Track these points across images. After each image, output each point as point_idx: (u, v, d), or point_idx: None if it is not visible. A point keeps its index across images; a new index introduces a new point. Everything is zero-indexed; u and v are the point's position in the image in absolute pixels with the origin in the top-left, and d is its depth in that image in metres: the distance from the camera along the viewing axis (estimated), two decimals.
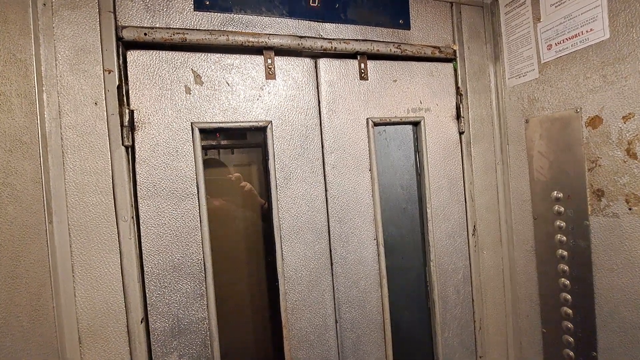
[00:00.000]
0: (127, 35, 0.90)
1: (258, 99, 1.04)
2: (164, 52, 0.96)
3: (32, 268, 0.82)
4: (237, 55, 1.03)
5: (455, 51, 1.28)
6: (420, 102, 1.24)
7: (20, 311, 0.80)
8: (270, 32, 1.05)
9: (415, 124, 1.25)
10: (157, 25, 0.95)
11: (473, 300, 1.30)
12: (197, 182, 0.98)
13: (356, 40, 1.13)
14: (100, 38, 0.88)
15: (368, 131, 1.16)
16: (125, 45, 0.92)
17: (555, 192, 1.13)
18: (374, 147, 1.17)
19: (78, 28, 0.87)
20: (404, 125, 1.27)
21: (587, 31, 1.00)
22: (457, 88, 1.29)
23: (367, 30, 1.17)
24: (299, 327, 1.07)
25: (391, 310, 1.18)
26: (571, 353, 1.12)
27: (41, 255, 0.83)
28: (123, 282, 0.90)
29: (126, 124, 0.90)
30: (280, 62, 1.07)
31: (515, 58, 1.24)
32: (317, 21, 1.11)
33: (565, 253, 1.12)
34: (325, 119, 1.11)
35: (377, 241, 1.17)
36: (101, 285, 0.88)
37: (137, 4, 0.93)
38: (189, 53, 0.98)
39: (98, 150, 0.88)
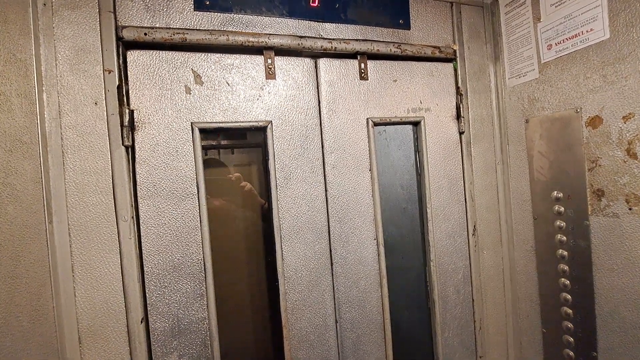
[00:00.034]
0: (127, 35, 0.90)
1: (258, 99, 1.04)
2: (164, 52, 0.96)
3: (32, 268, 0.82)
4: (237, 55, 1.03)
5: (455, 51, 1.28)
6: (420, 102, 1.24)
7: (20, 311, 0.80)
8: (270, 32, 1.05)
9: (415, 124, 1.25)
10: (157, 25, 0.95)
11: (473, 300, 1.30)
12: (197, 182, 0.98)
13: (356, 40, 1.13)
14: (101, 38, 0.88)
15: (368, 131, 1.16)
16: (125, 45, 0.92)
17: (556, 192, 1.13)
18: (374, 147, 1.17)
19: (78, 28, 0.87)
20: (404, 125, 1.27)
21: (587, 31, 1.00)
22: (457, 88, 1.29)
23: (367, 30, 1.17)
24: (299, 327, 1.07)
25: (391, 310, 1.18)
26: (571, 353, 1.12)
27: (41, 255, 0.83)
28: (123, 282, 0.90)
29: (126, 124, 0.90)
30: (280, 62, 1.07)
31: (516, 58, 1.24)
32: (317, 21, 1.11)
33: (565, 253, 1.12)
34: (325, 119, 1.11)
35: (377, 241, 1.17)
36: (101, 285, 0.88)
37: (137, 4, 0.93)
38: (189, 53, 0.98)
39: (98, 150, 0.88)
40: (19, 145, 0.81)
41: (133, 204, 0.92)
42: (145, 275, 0.93)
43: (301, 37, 1.07)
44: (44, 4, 0.85)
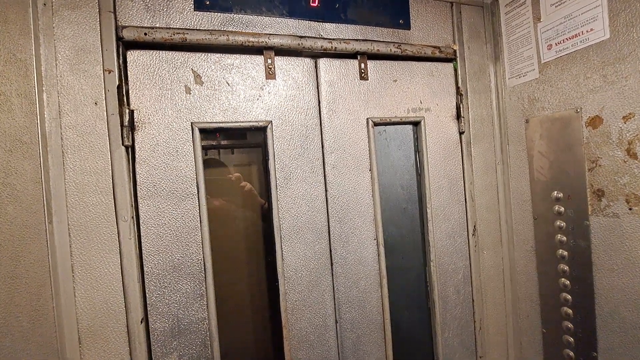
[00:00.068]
0: (127, 35, 0.90)
1: (258, 99, 1.04)
2: (164, 52, 0.96)
3: (32, 268, 0.82)
4: (237, 55, 1.03)
5: (455, 51, 1.28)
6: (421, 102, 1.24)
7: (20, 311, 0.80)
8: (271, 32, 1.05)
9: (415, 124, 1.25)
10: (157, 25, 0.95)
11: (473, 300, 1.30)
12: (197, 182, 0.98)
13: (356, 40, 1.13)
14: (101, 38, 0.88)
15: (368, 131, 1.16)
16: (126, 45, 0.92)
17: (556, 192, 1.13)
18: (374, 147, 1.17)
19: (78, 28, 0.87)
20: (404, 125, 1.27)
21: (587, 31, 1.00)
22: (457, 88, 1.29)
23: (367, 30, 1.17)
24: (299, 327, 1.07)
25: (391, 310, 1.18)
26: (571, 353, 1.12)
27: (41, 255, 0.82)
28: (123, 282, 0.90)
29: (126, 124, 0.90)
30: (280, 62, 1.07)
31: (516, 58, 1.24)
32: (317, 21, 1.11)
33: (565, 253, 1.12)
34: (325, 119, 1.11)
35: (377, 241, 1.17)
36: (101, 286, 0.88)
37: (137, 4, 0.93)
38: (189, 53, 0.98)
39: (98, 150, 0.88)
40: (19, 145, 0.81)
41: (133, 204, 0.92)
42: (145, 275, 0.93)
43: (301, 37, 1.07)
44: (44, 4, 0.85)
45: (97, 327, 0.88)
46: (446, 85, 1.28)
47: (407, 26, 1.22)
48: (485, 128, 1.33)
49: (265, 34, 1.03)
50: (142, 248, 0.93)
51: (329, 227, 1.11)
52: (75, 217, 0.86)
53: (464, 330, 1.29)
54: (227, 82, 1.01)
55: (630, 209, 0.95)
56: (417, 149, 1.27)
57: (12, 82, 0.80)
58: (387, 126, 1.25)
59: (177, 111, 0.96)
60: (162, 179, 0.95)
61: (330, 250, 1.12)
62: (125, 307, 0.90)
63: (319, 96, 1.11)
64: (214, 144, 1.20)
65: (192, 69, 0.98)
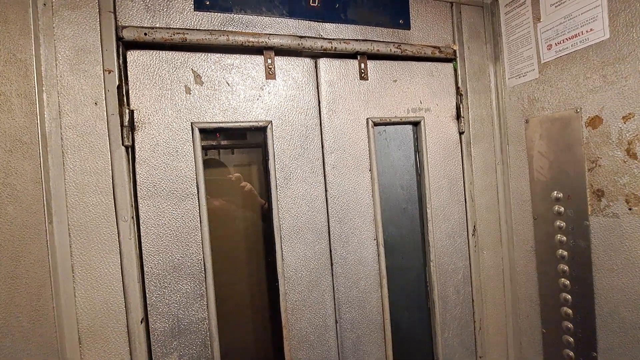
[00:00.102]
0: (127, 35, 0.90)
1: (258, 99, 1.04)
2: (164, 52, 0.96)
3: (32, 268, 0.82)
4: (237, 55, 1.03)
5: (455, 51, 1.28)
6: (420, 102, 1.24)
7: (20, 311, 0.80)
8: (270, 32, 1.05)
9: (415, 124, 1.25)
10: (157, 25, 0.95)
11: (473, 300, 1.30)
12: (197, 182, 0.98)
13: (356, 40, 1.13)
14: (101, 38, 0.88)
15: (368, 131, 1.16)
16: (126, 45, 0.92)
17: (555, 192, 1.13)
18: (374, 147, 1.17)
19: (78, 28, 0.87)
20: (404, 125, 1.27)
21: (587, 31, 1.00)
22: (457, 88, 1.29)
23: (367, 30, 1.17)
24: (299, 328, 1.07)
25: (391, 310, 1.18)
26: (571, 353, 1.12)
27: (41, 255, 0.82)
28: (123, 283, 0.90)
29: (126, 124, 0.90)
30: (280, 62, 1.07)
31: (515, 58, 1.24)
32: (317, 21, 1.11)
33: (565, 253, 1.12)
34: (325, 119, 1.11)
35: (377, 241, 1.17)
36: (101, 286, 0.88)
37: (137, 4, 0.93)
38: (189, 53, 0.98)
39: (98, 150, 0.88)
40: (19, 146, 0.81)
41: (133, 204, 0.92)
42: (145, 276, 0.93)
43: (301, 37, 1.07)
44: (44, 4, 0.85)
45: (97, 327, 0.88)
46: (446, 85, 1.28)
47: (407, 26, 1.22)
48: (485, 128, 1.33)
49: (265, 34, 1.03)
50: (142, 248, 0.93)
51: (329, 227, 1.12)
52: (75, 217, 0.86)
53: (464, 330, 1.29)
54: (227, 82, 1.01)
55: (630, 209, 0.95)
56: (417, 149, 1.27)
57: (12, 82, 0.80)
58: (387, 126, 1.25)
59: (177, 111, 0.96)
60: (162, 179, 0.95)
61: (330, 251, 1.12)
62: (125, 307, 0.90)
63: (319, 96, 1.11)
64: (214, 144, 1.20)
65: (192, 69, 0.98)
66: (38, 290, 0.82)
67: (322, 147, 1.12)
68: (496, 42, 1.31)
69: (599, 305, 1.04)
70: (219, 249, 1.05)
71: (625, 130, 0.94)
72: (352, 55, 1.15)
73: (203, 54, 0.99)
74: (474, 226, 1.31)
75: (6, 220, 0.79)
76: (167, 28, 0.94)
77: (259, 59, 1.05)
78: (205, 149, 1.10)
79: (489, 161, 1.33)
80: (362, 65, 1.16)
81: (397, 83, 1.21)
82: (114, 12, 0.90)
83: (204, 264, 0.98)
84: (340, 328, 1.12)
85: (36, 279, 0.82)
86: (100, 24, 0.89)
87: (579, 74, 1.04)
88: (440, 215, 1.26)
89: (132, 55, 0.93)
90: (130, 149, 0.92)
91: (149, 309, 0.93)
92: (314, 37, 1.09)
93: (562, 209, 1.12)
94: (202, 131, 0.99)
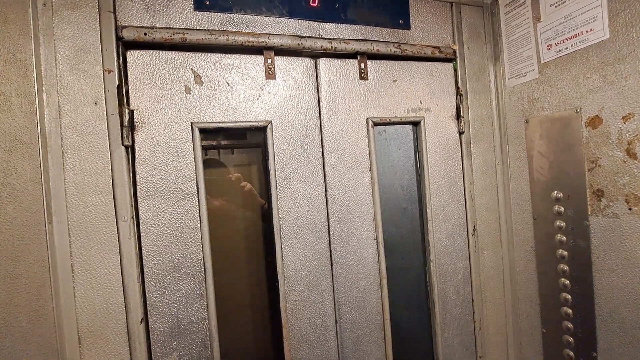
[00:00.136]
0: (127, 35, 0.90)
1: (258, 99, 1.04)
2: (163, 52, 0.96)
3: (31, 268, 0.81)
4: (237, 55, 1.03)
5: (455, 51, 1.28)
6: (420, 102, 1.24)
7: (20, 311, 0.80)
8: (270, 32, 1.05)
9: (415, 124, 1.25)
10: (157, 25, 0.94)
11: (473, 300, 1.30)
12: (197, 182, 0.98)
13: (356, 40, 1.13)
14: (100, 38, 0.88)
15: (368, 131, 1.16)
16: (125, 45, 0.92)
17: (555, 192, 1.13)
18: (374, 147, 1.17)
19: (78, 28, 0.87)
20: (404, 125, 1.27)
21: (587, 31, 1.00)
22: (457, 88, 1.29)
23: (367, 30, 1.17)
24: (298, 328, 1.07)
25: (391, 311, 1.18)
26: (571, 353, 1.12)
27: (41, 255, 0.82)
28: (123, 283, 0.90)
29: (126, 124, 0.90)
30: (280, 62, 1.07)
31: (515, 58, 1.24)
32: (317, 21, 1.11)
33: (565, 253, 1.12)
34: (325, 119, 1.11)
35: (377, 241, 1.17)
36: (101, 286, 0.88)
37: (137, 4, 0.93)
38: (189, 53, 0.98)
39: (98, 150, 0.88)
40: (19, 146, 0.81)
41: (133, 204, 0.92)
42: (145, 276, 0.93)
43: (301, 37, 1.07)
44: (44, 4, 0.84)
45: (97, 328, 0.88)
46: (446, 85, 1.28)
47: (407, 26, 1.22)
48: (485, 128, 1.33)
49: (265, 34, 1.03)
50: (142, 248, 0.93)
51: (328, 227, 1.11)
52: (75, 217, 0.86)
53: (464, 330, 1.29)
54: (227, 82, 1.01)
55: (629, 209, 0.95)
56: (417, 149, 1.27)
57: (12, 82, 0.80)
58: (387, 126, 1.25)
59: (177, 111, 0.96)
60: (162, 179, 0.95)
61: (330, 251, 1.12)
62: (125, 307, 0.90)
63: (318, 96, 1.11)
64: (214, 144, 1.20)
65: (192, 69, 0.98)
66: (38, 291, 0.82)
67: (322, 147, 1.11)
68: (496, 42, 1.31)
69: (599, 305, 1.04)
70: (219, 249, 1.05)
71: (625, 130, 0.94)
72: (352, 55, 1.15)
73: (203, 54, 0.99)
74: (474, 226, 1.31)
75: (6, 220, 0.79)
76: (167, 28, 0.94)
77: (259, 58, 1.05)
78: (205, 149, 1.10)
79: (489, 161, 1.33)
80: (362, 65, 1.16)
81: (397, 83, 1.21)
82: (114, 12, 0.90)
83: (204, 264, 0.98)
84: (340, 328, 1.12)
85: (36, 279, 0.82)
86: (100, 23, 0.88)
87: (578, 74, 1.04)
88: (440, 215, 1.26)
89: (132, 55, 0.93)
90: (130, 149, 0.92)
91: (148, 309, 0.93)
92: (314, 37, 1.09)
93: (562, 209, 1.12)
94: (202, 131, 0.99)
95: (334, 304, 1.12)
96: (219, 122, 1.00)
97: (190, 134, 0.97)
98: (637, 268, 0.94)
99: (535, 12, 1.15)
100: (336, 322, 1.12)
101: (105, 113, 0.89)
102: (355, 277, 1.14)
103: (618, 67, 0.94)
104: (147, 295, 0.93)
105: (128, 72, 0.92)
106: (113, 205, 0.89)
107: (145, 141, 0.93)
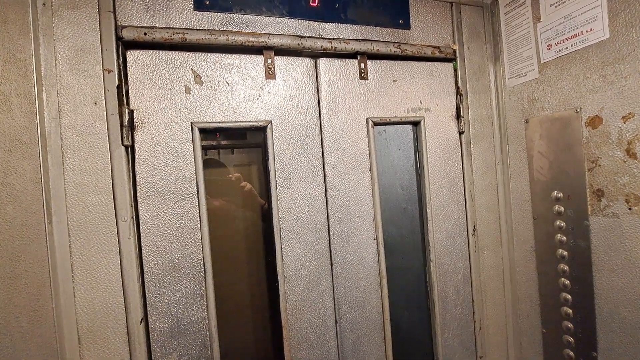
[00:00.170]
0: (127, 35, 0.90)
1: (258, 99, 1.04)
2: (163, 52, 0.95)
3: (31, 268, 0.81)
4: (237, 55, 1.03)
5: (455, 51, 1.28)
6: (420, 102, 1.24)
7: (20, 312, 0.80)
8: (270, 32, 1.05)
9: (415, 124, 1.25)
10: (157, 25, 0.94)
11: (473, 300, 1.30)
12: (197, 182, 0.98)
13: (356, 40, 1.13)
14: (100, 38, 0.88)
15: (368, 131, 1.16)
16: (125, 45, 0.92)
17: (555, 192, 1.13)
18: (374, 147, 1.17)
19: (78, 28, 0.87)
20: (404, 125, 1.27)
21: (587, 31, 1.00)
22: (457, 88, 1.29)
23: (367, 30, 1.17)
24: (298, 328, 1.07)
25: (391, 311, 1.18)
26: (571, 353, 1.12)
27: (41, 255, 0.82)
28: (123, 283, 0.90)
29: (126, 123, 0.90)
30: (280, 62, 1.07)
31: (515, 58, 1.24)
32: (317, 21, 1.11)
33: (565, 253, 1.12)
34: (325, 119, 1.11)
35: (377, 241, 1.17)
36: (101, 286, 0.88)
37: (137, 4, 0.93)
38: (188, 53, 0.98)
39: (98, 150, 0.88)
40: (19, 145, 0.81)
41: (133, 204, 0.92)
42: (144, 276, 0.93)
43: (301, 37, 1.07)
44: (44, 4, 0.84)
45: (97, 328, 0.87)
46: (446, 85, 1.28)
47: (407, 26, 1.22)
48: (485, 128, 1.33)
49: (265, 33, 1.03)
50: (142, 248, 0.93)
51: (328, 227, 1.11)
52: (75, 217, 0.86)
53: (464, 330, 1.29)
54: (226, 82, 1.01)
55: (630, 209, 0.95)
56: (417, 149, 1.27)
57: (12, 82, 0.80)
58: (387, 126, 1.25)
59: (177, 111, 0.96)
60: (162, 179, 0.95)
61: (330, 251, 1.12)
62: (124, 307, 0.90)
63: (318, 96, 1.11)
64: (214, 144, 1.20)
65: (191, 69, 0.98)
66: (37, 291, 0.82)
67: (322, 147, 1.11)
68: (496, 42, 1.31)
69: (599, 305, 1.04)
70: (219, 249, 1.05)
71: (625, 130, 0.94)
72: (352, 55, 1.15)
73: (203, 54, 0.99)
74: (474, 226, 1.31)
75: (5, 220, 0.79)
76: (166, 28, 0.94)
77: (259, 58, 1.05)
78: (205, 148, 1.10)
79: (489, 161, 1.33)
80: (362, 65, 1.16)
81: (397, 83, 1.21)
82: (114, 11, 0.90)
83: (204, 264, 0.98)
84: (340, 328, 1.12)
85: (35, 279, 0.82)
86: (99, 23, 0.88)
87: (578, 74, 1.04)
88: (440, 215, 1.26)
89: (132, 55, 0.93)
90: (130, 149, 0.92)
91: (148, 309, 0.93)
92: (314, 37, 1.09)
93: (562, 208, 1.12)
94: (202, 131, 0.99)
95: (334, 304, 1.12)
96: (219, 122, 1.00)
97: (190, 133, 0.97)
98: (637, 268, 0.94)
99: (535, 12, 1.15)
100: (336, 322, 1.12)
101: (105, 113, 0.89)
102: (355, 277, 1.14)
103: (618, 67, 0.94)
104: (147, 295, 0.93)
105: (128, 72, 0.92)
106: (113, 205, 0.89)
107: (145, 141, 0.93)
